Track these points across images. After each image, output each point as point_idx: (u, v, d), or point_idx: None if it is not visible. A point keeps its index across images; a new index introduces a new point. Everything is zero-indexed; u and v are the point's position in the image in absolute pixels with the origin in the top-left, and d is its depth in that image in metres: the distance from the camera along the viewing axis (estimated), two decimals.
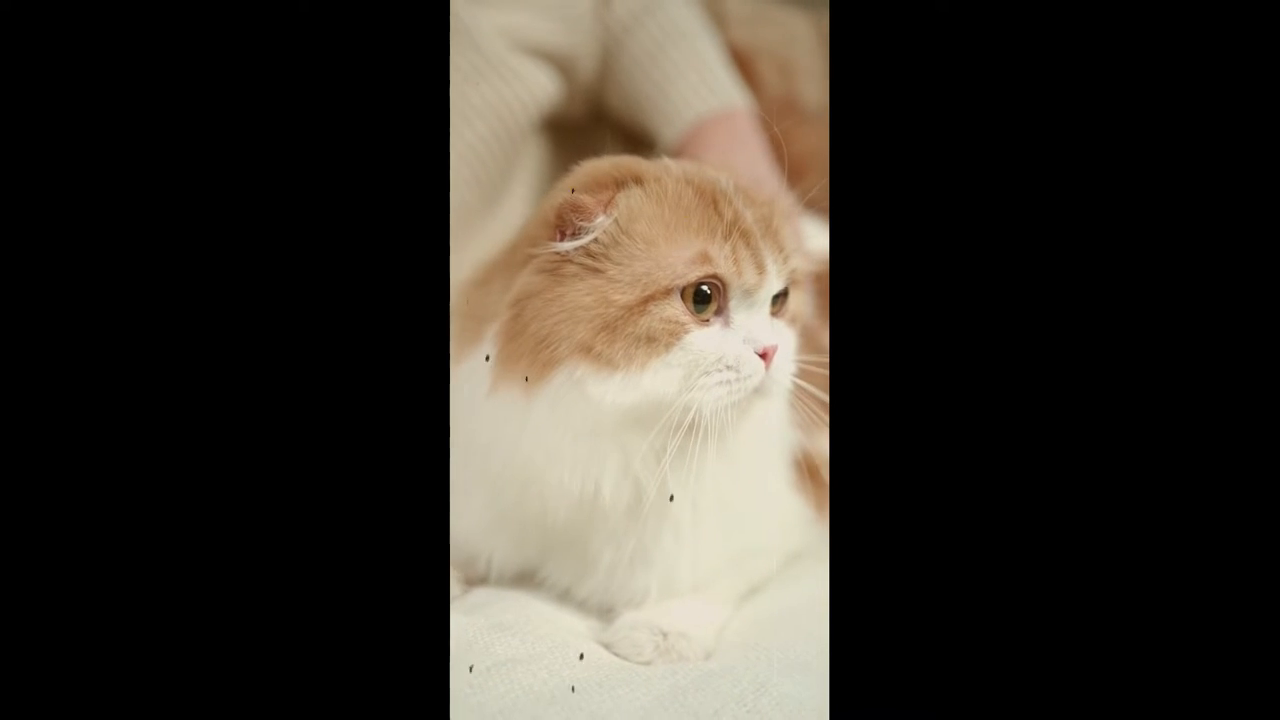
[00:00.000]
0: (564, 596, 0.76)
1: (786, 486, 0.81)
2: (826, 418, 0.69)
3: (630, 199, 0.69)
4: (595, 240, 0.68)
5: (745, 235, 0.69)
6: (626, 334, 0.67)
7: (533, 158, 1.18)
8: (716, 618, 0.76)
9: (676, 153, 1.09)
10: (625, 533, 0.73)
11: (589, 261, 0.68)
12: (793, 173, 1.21)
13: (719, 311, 0.69)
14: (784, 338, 0.71)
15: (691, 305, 0.68)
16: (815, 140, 1.26)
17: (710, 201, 0.70)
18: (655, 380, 0.67)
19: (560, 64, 1.16)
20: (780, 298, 0.72)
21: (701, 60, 1.15)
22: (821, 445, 0.87)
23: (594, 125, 1.22)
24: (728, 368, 0.68)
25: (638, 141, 1.16)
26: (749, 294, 0.69)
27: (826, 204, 0.70)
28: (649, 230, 0.68)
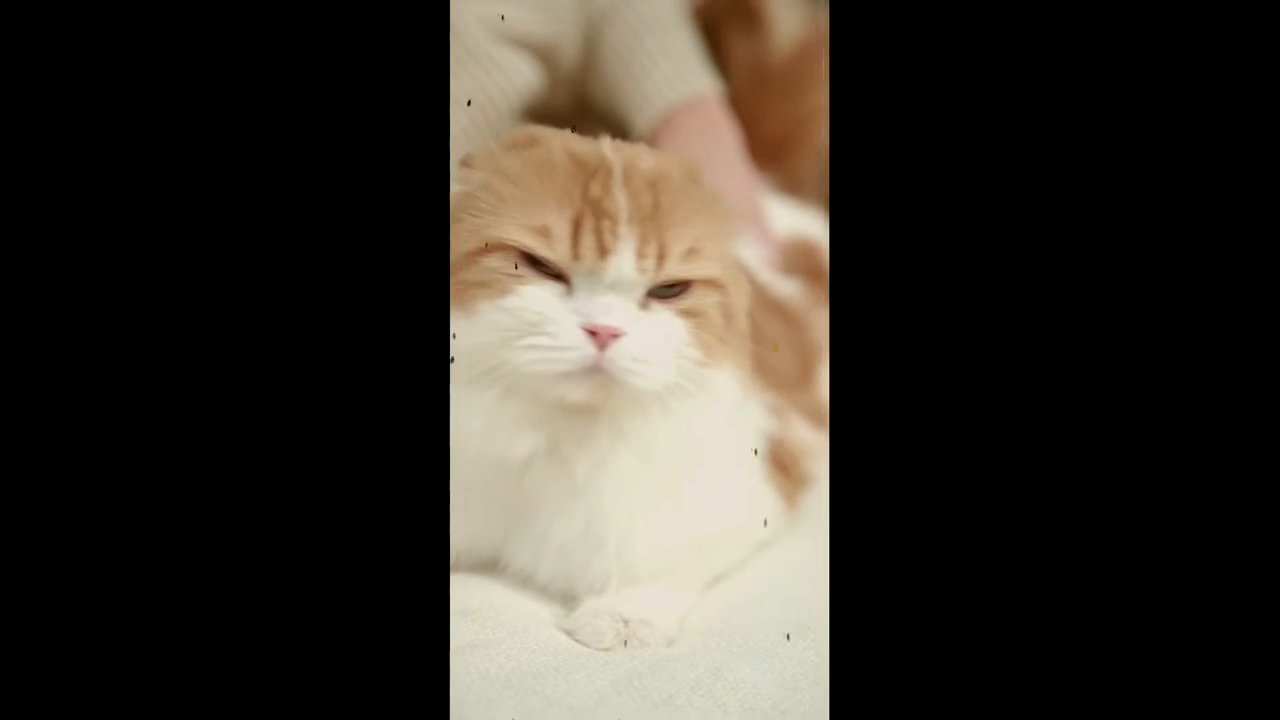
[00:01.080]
0: (526, 582, 0.77)
1: (753, 477, 0.81)
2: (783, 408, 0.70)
3: (507, 159, 0.72)
4: (466, 193, 0.71)
5: (602, 216, 0.69)
6: (460, 279, 0.69)
7: None
8: (679, 605, 0.77)
9: (650, 140, 1.10)
10: (569, 509, 0.74)
11: (459, 212, 0.71)
12: (770, 152, 1.23)
13: (562, 279, 0.70)
14: (644, 327, 0.70)
15: (529, 266, 0.69)
16: (789, 111, 1.28)
17: (584, 178, 0.71)
18: (479, 326, 0.69)
19: (541, 53, 1.17)
20: (671, 291, 0.71)
21: (674, 48, 1.16)
22: (797, 436, 0.88)
23: (578, 115, 1.23)
24: (545, 333, 0.68)
25: (618, 131, 1.17)
26: (591, 274, 0.69)
27: (803, 188, 0.72)
28: (506, 190, 0.70)
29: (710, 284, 0.73)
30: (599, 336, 0.68)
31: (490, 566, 0.78)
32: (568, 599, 0.76)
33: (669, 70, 1.15)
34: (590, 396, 0.70)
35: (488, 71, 1.12)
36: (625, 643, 0.72)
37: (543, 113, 1.19)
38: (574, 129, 0.77)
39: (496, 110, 1.14)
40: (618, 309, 0.69)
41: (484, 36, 1.12)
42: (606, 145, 0.76)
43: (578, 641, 0.72)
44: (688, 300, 0.72)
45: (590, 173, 0.71)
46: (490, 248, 0.70)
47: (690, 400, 0.71)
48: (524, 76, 1.14)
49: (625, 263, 0.69)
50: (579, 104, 1.22)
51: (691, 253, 0.71)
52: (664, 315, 0.71)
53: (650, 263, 0.70)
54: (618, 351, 0.68)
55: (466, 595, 0.75)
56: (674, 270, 0.71)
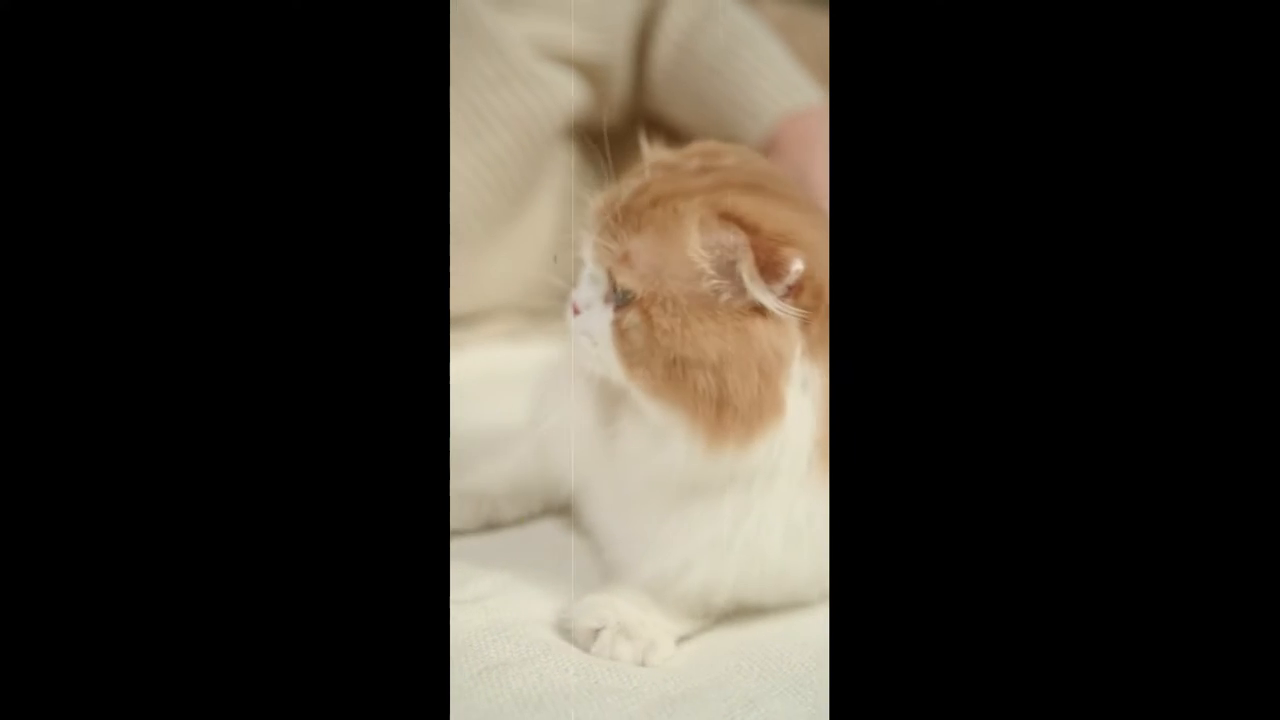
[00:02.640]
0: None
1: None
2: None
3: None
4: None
5: (610, 217, 0.72)
6: None
7: (559, 162, 1.19)
8: (663, 629, 0.75)
9: (764, 147, 1.13)
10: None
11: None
12: None
13: None
14: (594, 315, 0.73)
15: None
16: None
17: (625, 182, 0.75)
18: None
19: (592, 73, 1.17)
20: (620, 296, 0.72)
21: (774, 60, 1.19)
22: None
23: (630, 130, 1.23)
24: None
25: (678, 139, 1.18)
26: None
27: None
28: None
29: (644, 305, 0.71)
30: (576, 310, 0.75)
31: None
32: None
33: (776, 79, 1.17)
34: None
35: (531, 89, 1.13)
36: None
37: (591, 129, 1.19)
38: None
39: (540, 130, 1.14)
40: (587, 290, 0.74)
41: (529, 54, 1.13)
42: (649, 150, 0.78)
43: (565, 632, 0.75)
44: (627, 312, 0.71)
45: (635, 173, 0.75)
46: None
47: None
48: (567, 95, 1.15)
49: (590, 259, 0.74)
50: (632, 119, 1.23)
51: (641, 269, 0.71)
52: (608, 312, 0.72)
53: (606, 263, 0.72)
54: (574, 323, 0.74)
55: (501, 609, 0.75)
56: (622, 277, 0.71)
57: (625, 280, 0.71)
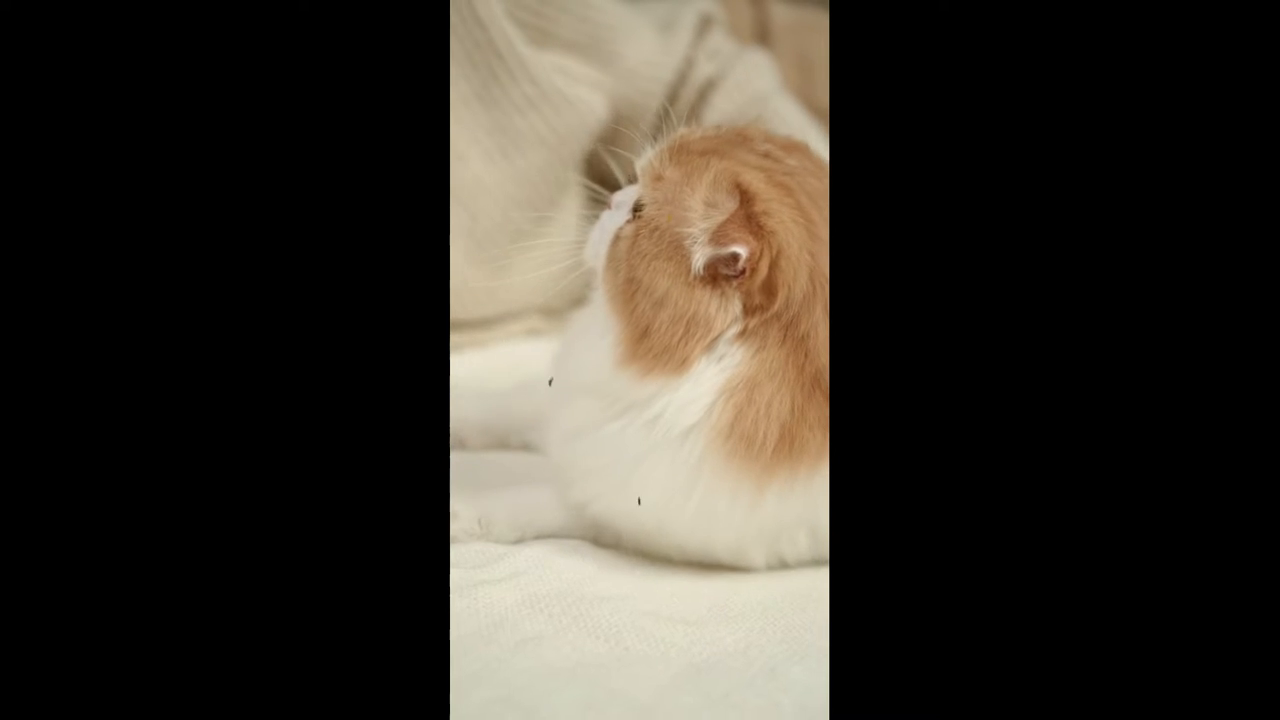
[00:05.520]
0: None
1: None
2: None
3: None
4: None
5: (673, 143, 0.82)
6: None
7: (579, 181, 1.25)
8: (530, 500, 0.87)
9: None
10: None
11: None
12: None
13: None
14: (617, 215, 0.82)
15: None
16: None
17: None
18: None
19: (623, 111, 1.25)
20: (637, 211, 0.81)
21: (785, 117, 1.27)
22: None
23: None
24: None
25: None
26: None
27: None
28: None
29: (642, 223, 0.79)
30: (611, 199, 0.83)
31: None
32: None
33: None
34: None
35: (561, 113, 1.18)
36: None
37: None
38: None
39: (566, 149, 1.19)
40: (626, 194, 0.82)
41: (560, 80, 1.18)
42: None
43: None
44: (631, 223, 0.80)
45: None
46: None
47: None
48: (595, 113, 1.21)
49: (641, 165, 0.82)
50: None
51: (662, 195, 0.78)
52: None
53: (644, 177, 0.80)
54: (604, 215, 0.83)
55: (533, 584, 0.79)
56: (646, 194, 0.79)
57: (646, 197, 0.79)
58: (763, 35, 1.53)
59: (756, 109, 1.26)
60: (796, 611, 0.78)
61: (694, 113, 1.28)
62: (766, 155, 0.80)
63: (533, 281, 1.23)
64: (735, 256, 0.75)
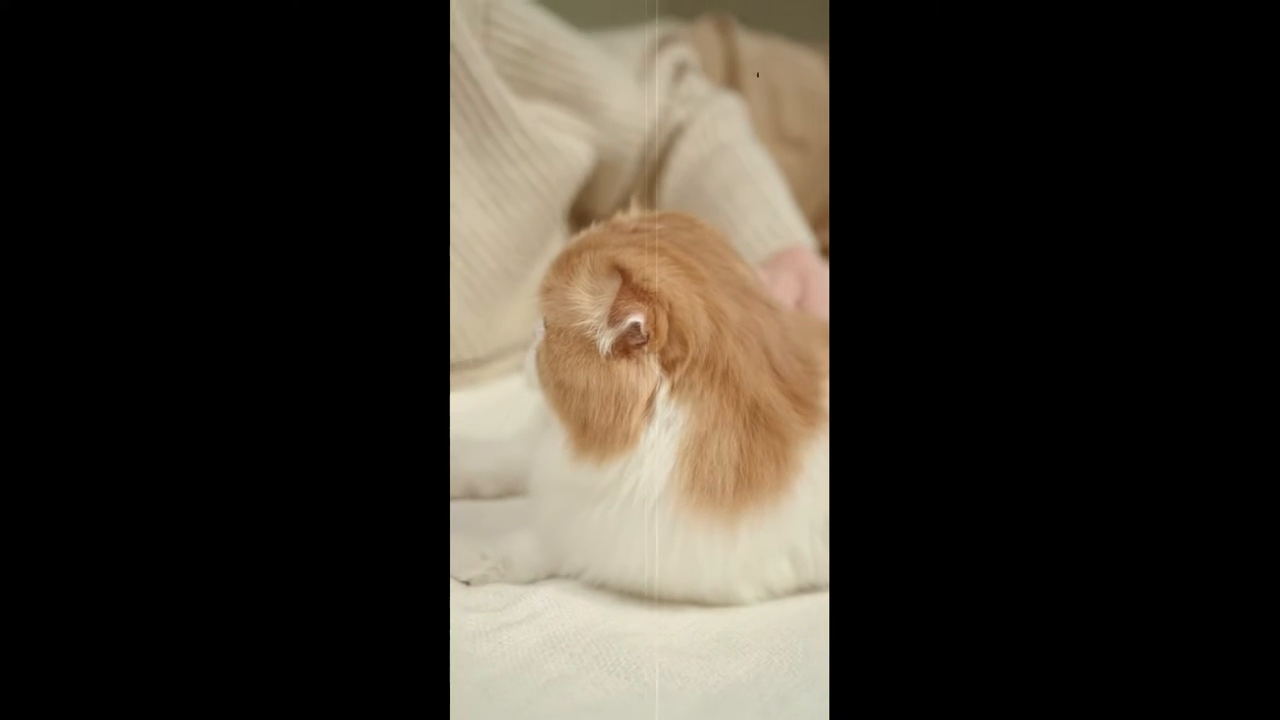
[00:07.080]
0: None
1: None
2: None
3: None
4: None
5: (558, 258, 0.87)
6: None
7: (566, 228, 1.31)
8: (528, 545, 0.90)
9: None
10: None
11: None
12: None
13: None
14: (537, 339, 0.87)
15: None
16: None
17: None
18: None
19: (604, 159, 1.29)
20: (543, 326, 0.87)
21: (769, 201, 1.29)
22: None
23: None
24: None
25: None
26: None
27: None
28: None
29: (549, 335, 0.84)
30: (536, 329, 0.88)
31: None
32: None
33: (764, 223, 1.27)
34: None
35: (548, 161, 1.22)
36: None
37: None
38: None
39: (556, 197, 1.24)
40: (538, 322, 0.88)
41: (547, 129, 1.22)
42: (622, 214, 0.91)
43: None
44: (542, 338, 0.85)
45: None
46: None
47: None
48: (583, 163, 1.26)
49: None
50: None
51: (554, 304, 0.83)
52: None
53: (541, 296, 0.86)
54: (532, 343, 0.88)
55: (554, 621, 0.82)
56: (543, 309, 0.85)
57: (544, 310, 0.85)
58: (731, 68, 1.58)
59: (721, 157, 1.31)
60: (800, 639, 0.81)
61: (663, 160, 1.33)
62: (635, 231, 0.86)
63: (522, 322, 1.28)
64: (636, 326, 0.80)
